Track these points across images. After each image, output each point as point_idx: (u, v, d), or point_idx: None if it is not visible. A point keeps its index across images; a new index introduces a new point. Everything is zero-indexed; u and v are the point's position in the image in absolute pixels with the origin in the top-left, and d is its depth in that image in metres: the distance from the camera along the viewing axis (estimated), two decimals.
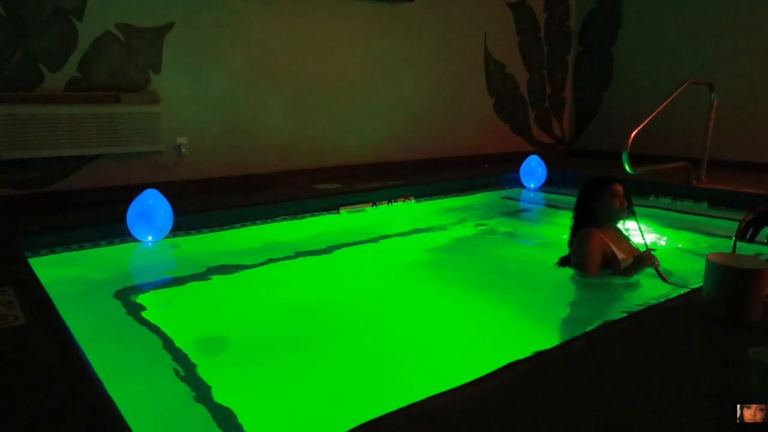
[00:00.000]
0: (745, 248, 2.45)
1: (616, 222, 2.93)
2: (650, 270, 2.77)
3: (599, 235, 2.83)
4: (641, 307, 2.29)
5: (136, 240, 3.16)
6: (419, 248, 3.70)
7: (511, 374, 1.54)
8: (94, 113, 3.47)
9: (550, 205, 4.72)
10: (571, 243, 2.93)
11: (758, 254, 2.83)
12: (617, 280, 2.79)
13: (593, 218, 2.89)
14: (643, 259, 2.75)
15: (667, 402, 1.40)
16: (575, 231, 2.94)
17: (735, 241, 2.35)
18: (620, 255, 2.80)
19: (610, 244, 2.82)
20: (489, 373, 1.53)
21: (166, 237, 3.22)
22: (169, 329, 2.33)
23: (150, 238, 3.17)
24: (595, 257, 2.79)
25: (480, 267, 3.37)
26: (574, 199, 3.01)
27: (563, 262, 2.96)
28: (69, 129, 3.40)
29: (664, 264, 2.81)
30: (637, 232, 2.93)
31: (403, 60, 5.04)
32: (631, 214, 2.90)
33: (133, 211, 3.09)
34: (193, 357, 2.11)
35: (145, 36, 3.71)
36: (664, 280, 2.72)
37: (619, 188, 2.87)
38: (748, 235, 2.33)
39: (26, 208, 3.37)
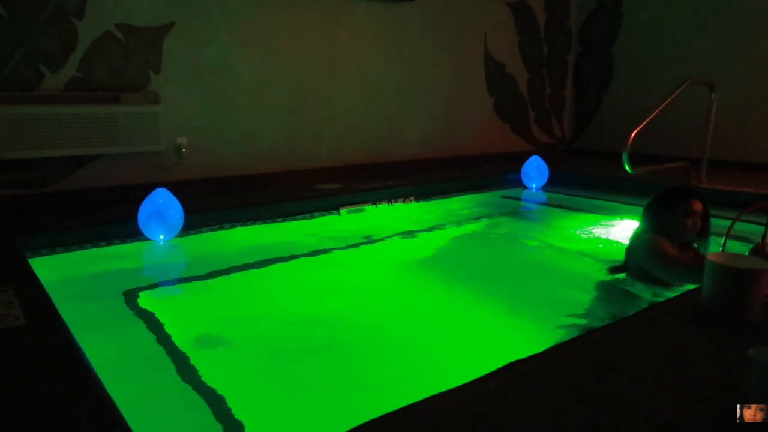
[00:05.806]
0: (745, 249, 2.45)
1: (681, 240, 2.64)
2: None
3: (666, 241, 2.58)
4: (641, 307, 2.29)
5: (136, 240, 3.17)
6: (419, 248, 3.70)
7: (511, 374, 1.54)
8: (94, 113, 3.47)
9: (551, 205, 4.71)
10: (629, 249, 2.73)
11: None
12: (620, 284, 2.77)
13: (659, 228, 2.63)
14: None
15: (667, 402, 1.40)
16: (637, 236, 2.70)
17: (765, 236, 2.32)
18: None
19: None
20: (489, 373, 1.53)
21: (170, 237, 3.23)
22: (168, 329, 2.33)
23: (162, 237, 3.18)
24: (672, 253, 2.52)
25: (480, 267, 3.38)
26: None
27: (618, 269, 2.77)
28: (69, 129, 3.40)
29: None
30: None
31: (403, 60, 5.04)
32: (702, 238, 2.60)
33: (145, 211, 3.11)
34: (194, 357, 2.11)
35: (145, 36, 3.71)
36: None
37: (698, 207, 2.58)
38: None
39: (26, 208, 3.37)
